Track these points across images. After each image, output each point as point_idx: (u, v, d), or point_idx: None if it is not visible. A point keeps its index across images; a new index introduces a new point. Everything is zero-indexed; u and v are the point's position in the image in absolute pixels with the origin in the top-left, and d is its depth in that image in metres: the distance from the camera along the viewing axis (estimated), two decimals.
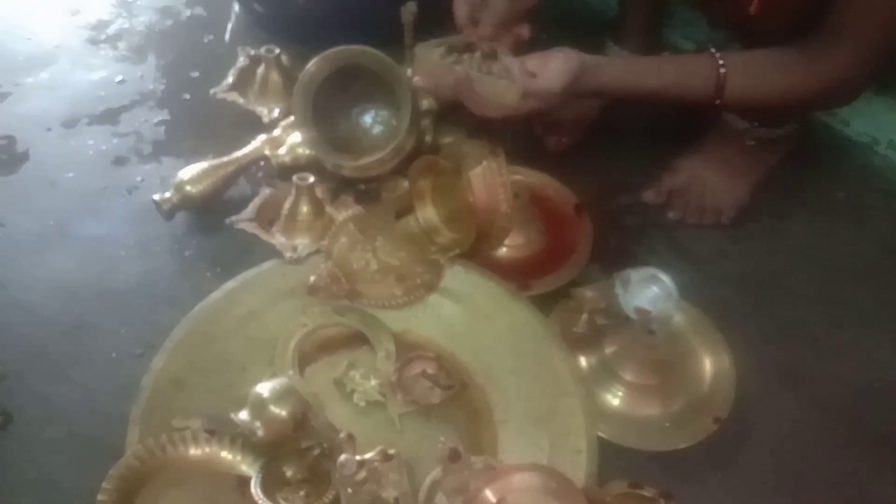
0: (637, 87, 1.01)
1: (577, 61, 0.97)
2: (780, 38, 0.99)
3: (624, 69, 1.02)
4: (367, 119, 1.15)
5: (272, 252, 1.03)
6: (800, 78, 0.98)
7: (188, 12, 1.51)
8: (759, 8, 0.99)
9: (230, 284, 0.98)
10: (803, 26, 0.98)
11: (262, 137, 1.16)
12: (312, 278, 0.97)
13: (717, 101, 1.00)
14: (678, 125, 1.22)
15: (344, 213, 1.06)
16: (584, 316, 0.97)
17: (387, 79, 1.06)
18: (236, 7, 1.48)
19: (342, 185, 1.12)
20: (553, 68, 0.97)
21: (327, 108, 1.09)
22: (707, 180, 1.17)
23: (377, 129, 1.14)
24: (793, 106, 1.07)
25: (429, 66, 1.06)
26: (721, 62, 0.98)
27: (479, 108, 1.01)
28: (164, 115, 1.30)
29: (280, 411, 0.79)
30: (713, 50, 0.99)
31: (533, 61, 0.98)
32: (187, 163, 1.13)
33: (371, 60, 1.06)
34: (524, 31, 1.08)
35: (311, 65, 1.06)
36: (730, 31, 1.25)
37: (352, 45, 1.07)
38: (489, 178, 0.98)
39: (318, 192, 1.06)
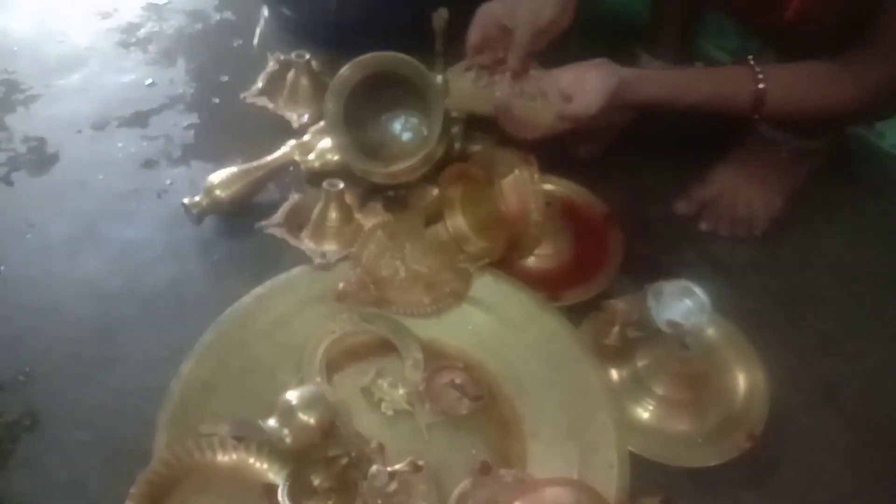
0: (675, 101, 1.00)
1: (614, 78, 0.96)
2: (816, 46, 0.97)
3: (662, 83, 1.01)
4: (398, 126, 1.14)
5: (301, 258, 1.03)
6: (841, 91, 0.96)
7: (217, 16, 1.51)
8: (796, 15, 0.98)
9: (259, 290, 0.98)
10: (839, 35, 0.96)
11: (291, 143, 1.16)
12: (341, 285, 0.97)
13: (756, 116, 0.98)
14: (710, 135, 1.20)
15: (373, 219, 1.06)
16: (616, 328, 0.96)
17: (418, 86, 1.06)
18: (265, 11, 1.49)
19: (371, 192, 1.11)
20: (590, 90, 0.96)
21: (358, 113, 1.08)
22: (740, 192, 1.15)
23: (406, 136, 1.14)
24: (834, 119, 1.05)
25: (463, 93, 1.06)
26: (760, 76, 0.97)
27: (516, 130, 1.01)
28: (193, 118, 1.30)
29: (308, 419, 0.79)
30: (752, 62, 0.98)
31: (568, 77, 0.97)
32: (217, 167, 1.13)
33: (404, 67, 1.05)
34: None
35: (345, 70, 1.06)
36: (763, 40, 1.24)
37: (383, 51, 1.06)
38: (521, 187, 0.97)
39: (348, 199, 1.06)
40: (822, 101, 0.98)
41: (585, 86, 0.96)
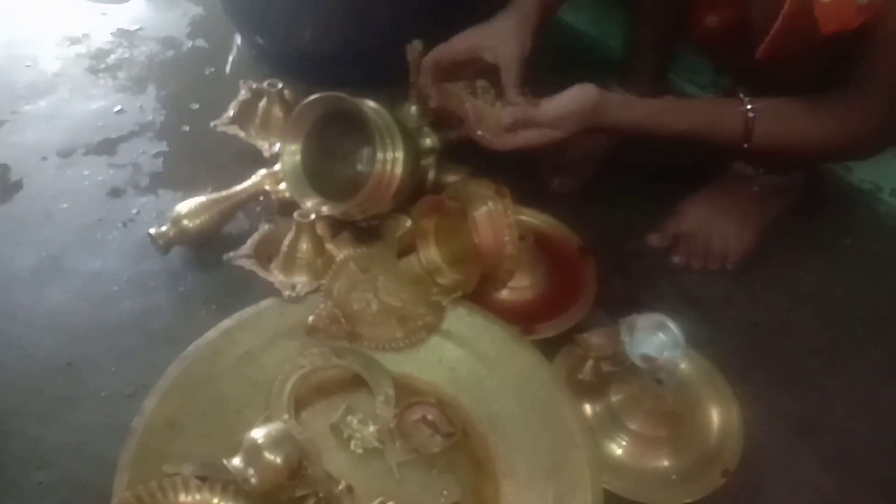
0: (661, 127, 1.00)
1: (594, 93, 0.96)
2: (788, 84, 0.98)
3: (649, 108, 1.01)
4: (361, 159, 1.12)
5: (270, 290, 1.00)
6: (828, 127, 0.97)
7: (189, 43, 1.50)
8: (767, 55, 0.98)
9: (226, 323, 0.95)
10: (811, 74, 0.97)
11: (262, 172, 1.14)
12: (311, 318, 0.95)
13: (745, 145, 0.98)
14: (686, 170, 1.20)
15: (345, 250, 1.04)
16: (590, 362, 0.96)
17: (360, 119, 1.03)
18: (238, 40, 1.48)
19: (343, 223, 1.10)
20: (564, 97, 0.96)
21: (326, 154, 1.08)
22: (713, 226, 1.16)
23: (364, 168, 1.11)
24: (821, 155, 1.06)
25: (449, 96, 1.06)
26: (749, 105, 0.97)
27: (485, 138, 1.00)
28: (162, 146, 1.28)
29: (275, 458, 0.76)
30: (742, 95, 0.99)
31: (546, 99, 0.98)
32: (185, 196, 1.11)
33: (338, 104, 1.03)
34: None
35: (287, 130, 1.07)
36: (736, 76, 1.25)
37: (355, 81, 1.05)
38: (495, 220, 0.97)
39: (319, 229, 1.04)
40: (810, 135, 0.98)
41: (563, 96, 0.97)
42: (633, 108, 1.00)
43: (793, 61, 0.96)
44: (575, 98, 0.96)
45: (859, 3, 0.84)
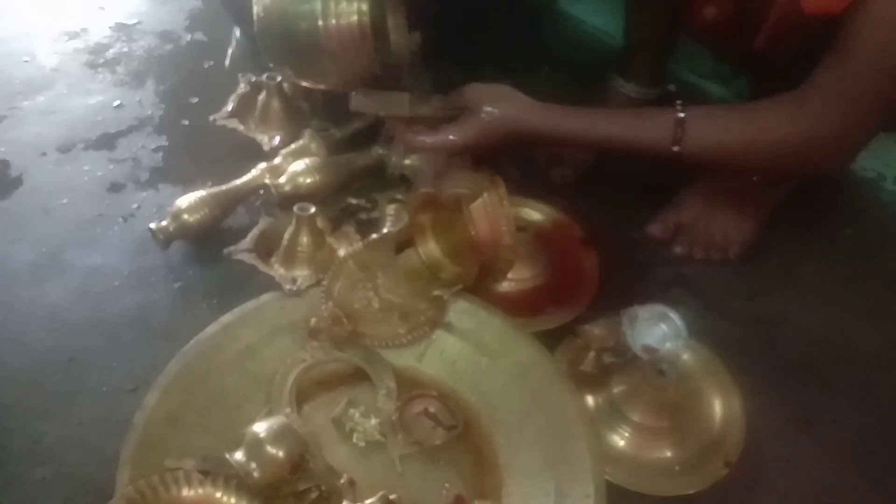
0: (584, 133, 0.99)
1: (504, 114, 0.97)
2: (788, 72, 0.97)
3: (571, 114, 1.00)
4: None
5: (271, 284, 1.00)
6: (776, 128, 0.93)
7: (188, 37, 1.49)
8: (765, 43, 0.98)
9: (227, 318, 0.95)
10: (810, 62, 0.96)
11: (262, 166, 1.14)
12: (313, 320, 0.94)
13: (676, 148, 0.95)
14: None
15: (345, 244, 1.04)
16: (591, 354, 0.95)
17: None
18: (237, 33, 1.47)
19: (344, 216, 1.10)
20: (469, 126, 0.98)
21: None
22: (713, 215, 1.15)
23: None
24: (773, 162, 0.98)
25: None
26: (680, 106, 0.95)
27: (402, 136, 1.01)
28: (161, 141, 1.28)
29: (277, 452, 0.77)
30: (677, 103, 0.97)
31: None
32: (185, 191, 1.11)
33: None
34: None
35: None
36: (736, 65, 1.25)
37: None
38: (490, 211, 0.96)
39: (319, 223, 1.04)
40: (754, 138, 0.94)
41: (468, 124, 0.97)
42: (552, 116, 0.98)
43: (790, 50, 0.95)
44: (482, 126, 0.97)
45: None
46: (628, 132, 0.98)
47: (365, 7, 0.94)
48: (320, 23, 0.94)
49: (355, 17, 0.94)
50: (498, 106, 0.98)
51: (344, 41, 0.94)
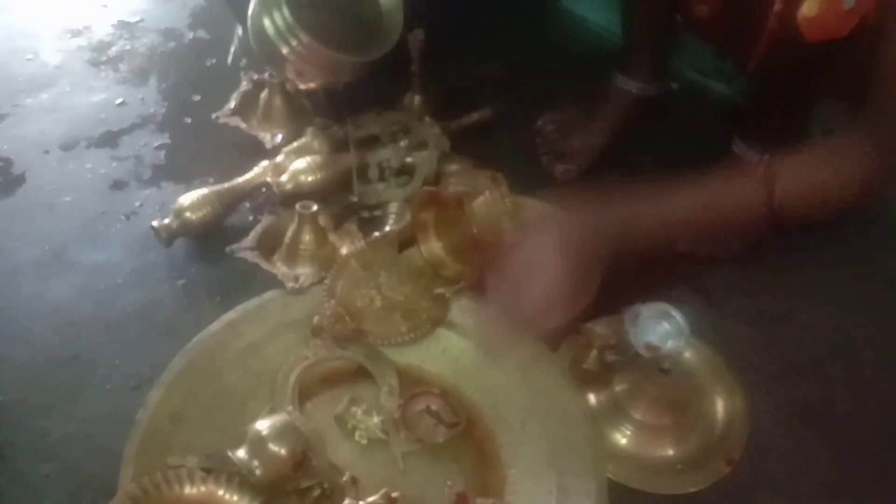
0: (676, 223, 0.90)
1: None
2: (791, 70, 0.97)
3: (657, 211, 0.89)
4: None
5: (273, 282, 1.01)
6: (849, 169, 0.85)
7: (191, 35, 1.49)
8: (756, 68, 0.98)
9: (230, 315, 0.96)
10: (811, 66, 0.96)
11: (264, 164, 1.14)
12: (316, 319, 0.94)
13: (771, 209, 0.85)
14: (688, 157, 1.19)
15: (348, 241, 1.04)
16: (594, 352, 0.95)
17: None
18: (239, 30, 1.47)
19: (346, 213, 1.10)
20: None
21: None
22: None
23: None
24: (841, 204, 0.90)
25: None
26: (763, 169, 0.85)
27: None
28: (164, 138, 1.28)
29: (279, 450, 0.77)
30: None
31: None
32: (187, 188, 1.11)
33: None
34: None
35: None
36: (739, 62, 1.24)
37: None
38: (492, 208, 0.96)
39: (322, 221, 1.04)
40: (832, 182, 0.87)
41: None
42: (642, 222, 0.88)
43: (788, 67, 0.95)
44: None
45: (845, 9, 0.83)
46: (716, 202, 0.89)
47: None
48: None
49: None
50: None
51: None
